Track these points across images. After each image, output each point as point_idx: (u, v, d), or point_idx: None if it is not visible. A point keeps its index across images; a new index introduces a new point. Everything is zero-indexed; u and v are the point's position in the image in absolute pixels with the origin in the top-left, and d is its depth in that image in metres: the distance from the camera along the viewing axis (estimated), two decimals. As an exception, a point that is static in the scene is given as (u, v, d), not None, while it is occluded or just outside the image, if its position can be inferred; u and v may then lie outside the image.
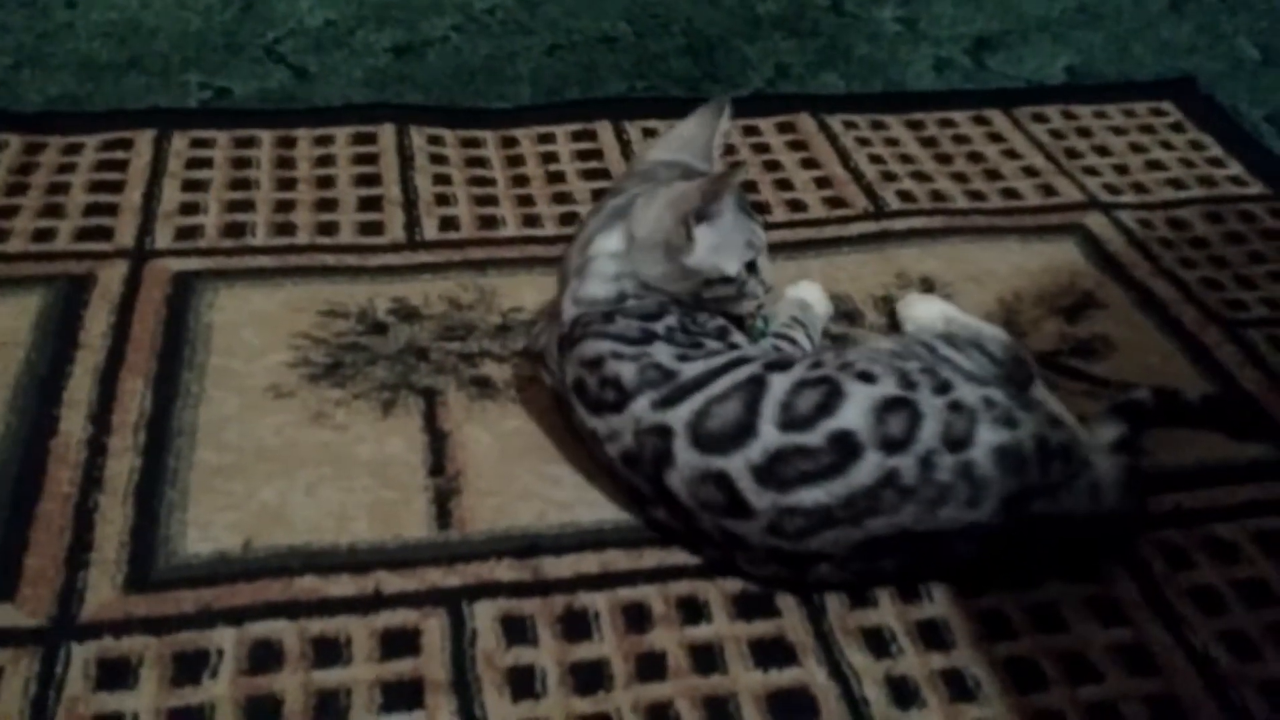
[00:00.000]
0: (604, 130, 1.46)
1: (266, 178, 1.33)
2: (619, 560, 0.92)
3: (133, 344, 1.08)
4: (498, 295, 1.18)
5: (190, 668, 0.81)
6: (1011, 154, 1.46)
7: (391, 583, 0.89)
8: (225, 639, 0.83)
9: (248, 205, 1.28)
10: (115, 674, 0.81)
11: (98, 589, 0.86)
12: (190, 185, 1.30)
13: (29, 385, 1.03)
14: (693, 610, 0.88)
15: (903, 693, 0.83)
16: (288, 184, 1.32)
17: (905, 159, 1.44)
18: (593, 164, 1.40)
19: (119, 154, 1.35)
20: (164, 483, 0.95)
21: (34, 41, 1.54)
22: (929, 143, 1.48)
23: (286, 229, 1.25)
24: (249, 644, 0.83)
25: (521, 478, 0.98)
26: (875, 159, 1.43)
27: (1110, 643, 0.88)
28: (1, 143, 1.35)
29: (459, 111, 1.47)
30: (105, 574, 0.88)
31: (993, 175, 1.42)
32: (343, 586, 0.88)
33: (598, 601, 0.88)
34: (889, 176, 1.40)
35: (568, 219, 1.30)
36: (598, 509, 0.95)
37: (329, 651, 0.83)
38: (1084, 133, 1.52)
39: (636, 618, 0.87)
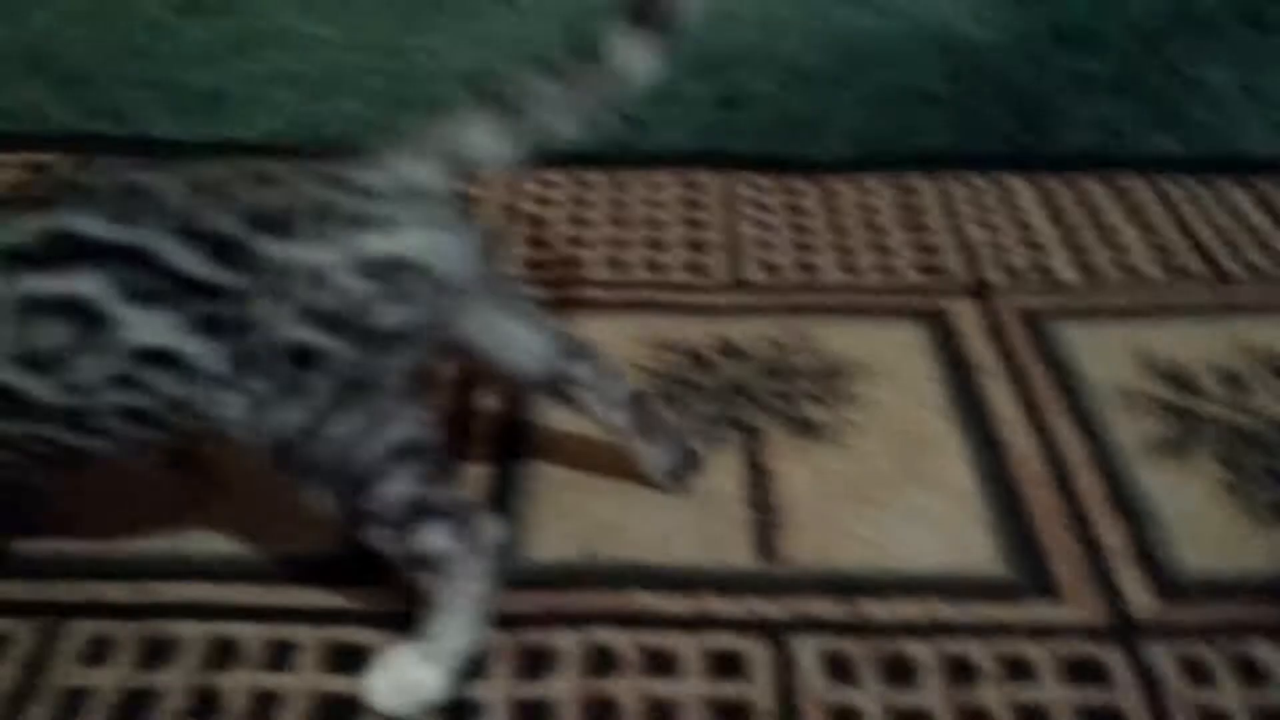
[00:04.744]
0: (924, 186, 1.46)
1: (602, 218, 1.41)
2: (942, 611, 0.91)
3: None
4: (818, 340, 1.21)
5: (536, 665, 0.88)
6: (1370, 226, 1.37)
7: (718, 606, 0.92)
8: (567, 641, 0.89)
9: (586, 243, 1.37)
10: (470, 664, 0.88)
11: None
12: (534, 222, 1.41)
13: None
14: (1021, 670, 0.87)
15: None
16: (621, 224, 1.40)
17: (1247, 226, 1.37)
18: (912, 218, 1.41)
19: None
20: (516, 492, 1.02)
21: (398, 87, 1.70)
22: (1272, 210, 1.40)
23: (620, 266, 1.33)
24: (588, 647, 0.89)
25: (842, 519, 1.00)
26: (1214, 226, 1.37)
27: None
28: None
29: (781, 162, 1.52)
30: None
31: (1349, 248, 1.33)
32: (673, 604, 0.92)
33: (921, 650, 0.88)
34: (1230, 244, 1.34)
35: (888, 270, 1.31)
36: (921, 557, 0.96)
37: (661, 664, 0.87)
38: None
39: (961, 671, 0.87)
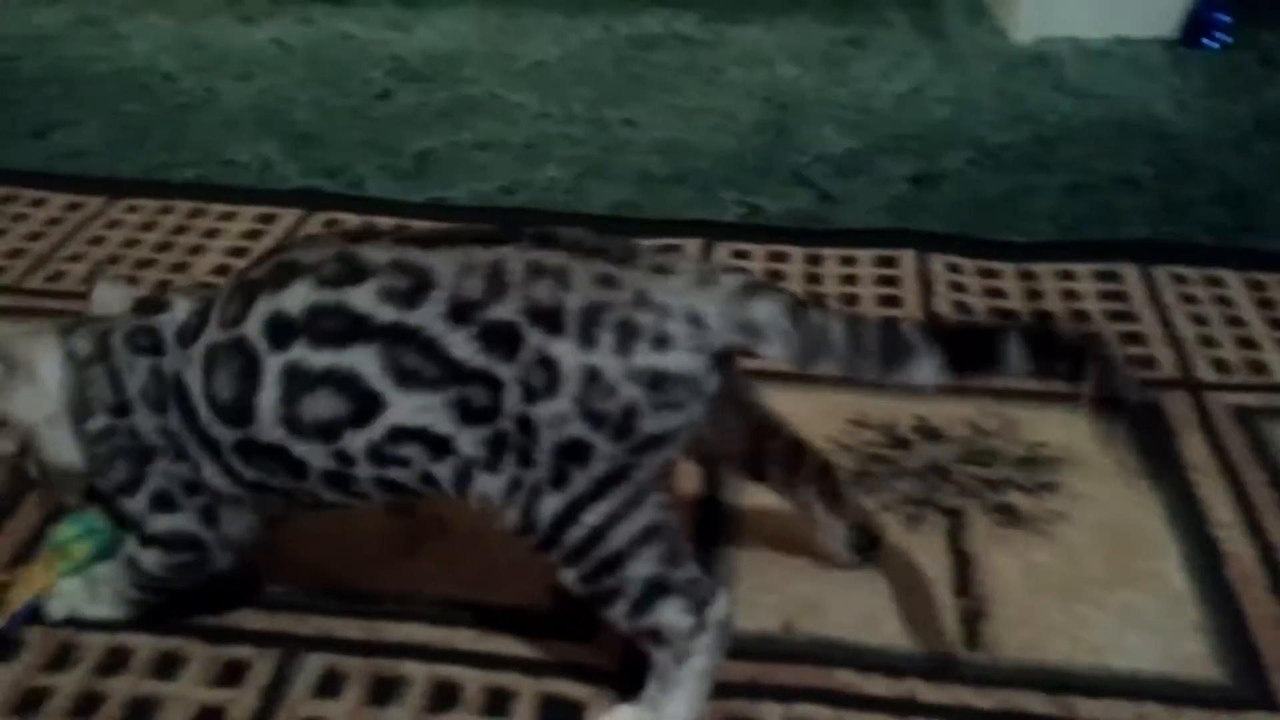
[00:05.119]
0: (1128, 272, 1.45)
1: (796, 289, 1.44)
2: (1156, 714, 0.90)
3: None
4: (1020, 426, 1.20)
5: (742, 734, 0.89)
6: None
7: (924, 692, 0.92)
8: (772, 714, 0.91)
9: (780, 314, 1.39)
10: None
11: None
12: (730, 291, 1.44)
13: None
14: (1243, 783, 0.84)
15: None
16: (816, 299, 1.42)
17: None
18: (1116, 305, 1.39)
19: (668, 258, 1.51)
20: (715, 562, 1.05)
21: (599, 154, 1.77)
22: None
23: (815, 340, 1.35)
24: (792, 721, 0.90)
25: (1050, 613, 0.99)
26: None
27: None
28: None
29: (977, 242, 1.52)
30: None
31: None
32: (878, 686, 0.93)
33: (1135, 753, 0.87)
34: None
35: (1089, 358, 1.30)
36: (1133, 657, 0.94)
37: (868, 746, 0.88)
38: None
39: (1178, 778, 0.85)
